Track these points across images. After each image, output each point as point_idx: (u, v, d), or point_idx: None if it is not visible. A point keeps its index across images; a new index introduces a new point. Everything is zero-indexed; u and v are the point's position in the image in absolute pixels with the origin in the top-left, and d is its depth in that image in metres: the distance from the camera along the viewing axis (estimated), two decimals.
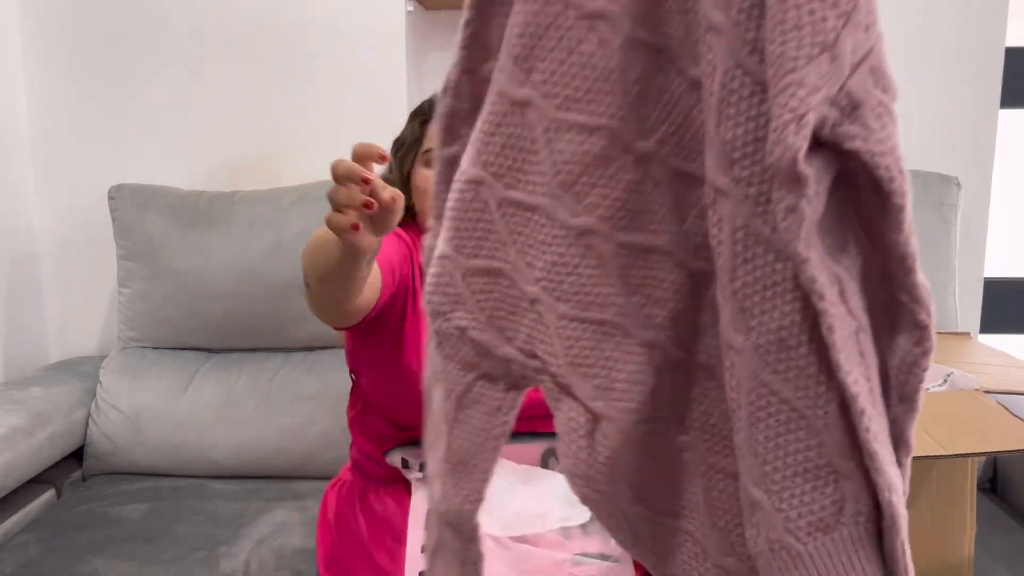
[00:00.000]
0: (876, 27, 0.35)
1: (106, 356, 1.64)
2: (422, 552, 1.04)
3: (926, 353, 0.38)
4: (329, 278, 0.88)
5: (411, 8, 1.68)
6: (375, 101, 1.70)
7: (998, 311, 1.77)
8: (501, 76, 0.44)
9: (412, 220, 1.25)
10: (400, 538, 1.08)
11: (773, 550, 0.35)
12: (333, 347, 1.59)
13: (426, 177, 1.17)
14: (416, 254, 1.15)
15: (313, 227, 1.54)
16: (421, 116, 1.21)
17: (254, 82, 1.71)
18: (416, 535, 1.06)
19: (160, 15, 1.69)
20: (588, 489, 0.45)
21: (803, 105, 0.32)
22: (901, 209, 0.35)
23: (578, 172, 0.42)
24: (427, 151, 1.18)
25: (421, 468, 1.14)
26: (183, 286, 1.57)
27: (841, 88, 0.33)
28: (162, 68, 1.70)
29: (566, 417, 0.45)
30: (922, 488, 1.07)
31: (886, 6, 1.63)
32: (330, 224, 0.74)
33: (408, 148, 1.20)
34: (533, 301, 0.45)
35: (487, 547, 1.03)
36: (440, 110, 0.53)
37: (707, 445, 0.42)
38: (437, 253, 0.48)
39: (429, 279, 0.49)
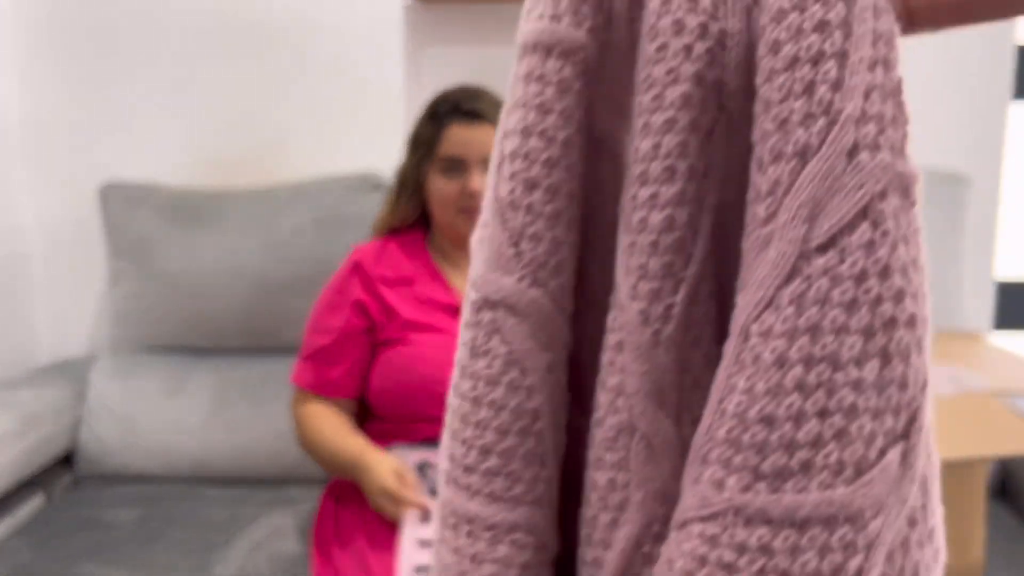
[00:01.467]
0: None
1: (97, 357, 1.62)
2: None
3: None
4: (336, 473, 1.22)
5: (408, 2, 1.66)
6: (371, 96, 1.67)
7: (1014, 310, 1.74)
8: None
9: (425, 225, 1.26)
10: (394, 542, 1.07)
11: None
12: None
13: (440, 188, 1.20)
14: (370, 275, 1.22)
15: (306, 225, 1.52)
16: (437, 119, 1.21)
17: (247, 78, 1.68)
18: (410, 534, 1.05)
19: (152, 11, 1.67)
20: None
21: None
22: None
23: None
24: (441, 159, 1.20)
25: (421, 469, 1.13)
26: (175, 286, 1.54)
27: None
28: (154, 65, 1.68)
29: None
30: None
31: None
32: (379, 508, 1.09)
33: (423, 155, 1.22)
34: None
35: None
36: None
37: None
38: None
39: None
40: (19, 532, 1.33)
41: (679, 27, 0.28)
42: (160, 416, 1.51)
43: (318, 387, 1.22)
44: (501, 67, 1.77)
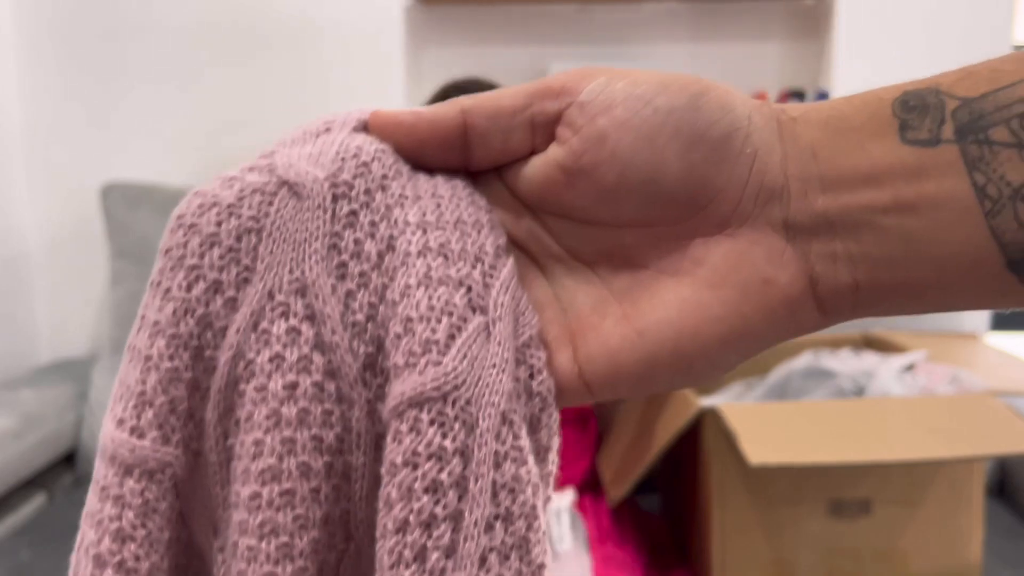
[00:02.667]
0: None
1: (98, 357, 1.62)
2: None
3: None
4: None
5: (408, 2, 1.66)
6: (372, 97, 1.67)
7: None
8: None
9: None
10: None
11: None
12: None
13: None
14: None
15: None
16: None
17: (248, 78, 1.68)
18: None
19: (153, 12, 1.67)
20: None
21: None
22: None
23: None
24: None
25: None
26: None
27: None
28: (154, 65, 1.68)
29: None
30: (929, 492, 1.05)
31: (894, 2, 1.61)
32: None
33: None
34: None
35: None
36: None
37: None
38: None
39: None
40: (20, 532, 1.33)
41: (305, 469, 0.25)
42: None
43: None
44: (501, 67, 1.77)
